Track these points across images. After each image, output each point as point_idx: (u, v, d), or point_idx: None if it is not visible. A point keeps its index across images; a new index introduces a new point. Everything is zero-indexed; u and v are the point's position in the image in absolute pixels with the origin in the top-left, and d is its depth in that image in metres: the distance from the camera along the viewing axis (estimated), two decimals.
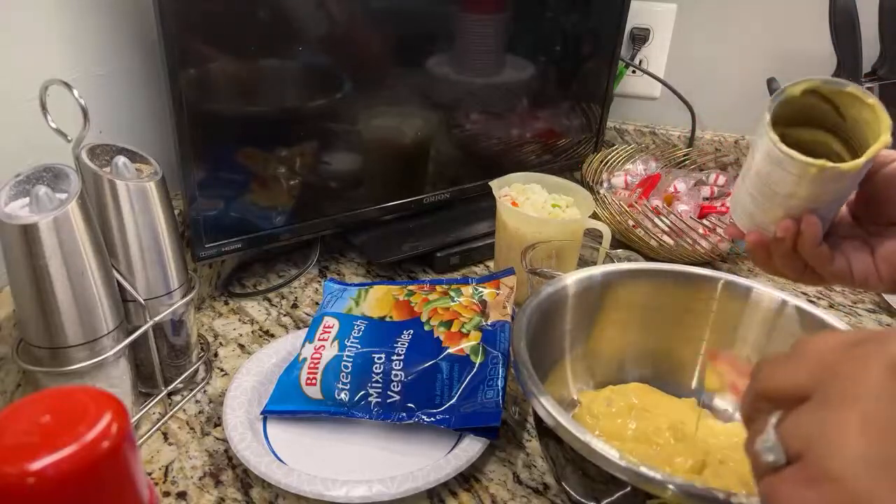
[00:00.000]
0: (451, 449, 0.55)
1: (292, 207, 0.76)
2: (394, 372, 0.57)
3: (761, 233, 0.45)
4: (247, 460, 0.51)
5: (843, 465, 0.24)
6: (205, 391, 0.63)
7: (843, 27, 0.89)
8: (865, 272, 0.44)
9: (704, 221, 0.84)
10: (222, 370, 0.66)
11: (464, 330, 0.59)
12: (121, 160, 0.54)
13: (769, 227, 0.44)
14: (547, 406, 0.42)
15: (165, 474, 0.54)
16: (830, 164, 0.38)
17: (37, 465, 0.30)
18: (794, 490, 0.26)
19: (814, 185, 0.39)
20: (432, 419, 0.55)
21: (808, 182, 0.39)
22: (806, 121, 0.42)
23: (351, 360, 0.58)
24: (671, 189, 0.95)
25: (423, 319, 0.61)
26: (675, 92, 1.10)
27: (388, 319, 0.62)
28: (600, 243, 0.73)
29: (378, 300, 0.65)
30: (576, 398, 0.58)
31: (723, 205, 0.93)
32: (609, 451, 0.38)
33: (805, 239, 0.43)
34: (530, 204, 0.77)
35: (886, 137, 0.38)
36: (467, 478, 0.54)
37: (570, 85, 1.00)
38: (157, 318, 0.56)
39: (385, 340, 0.59)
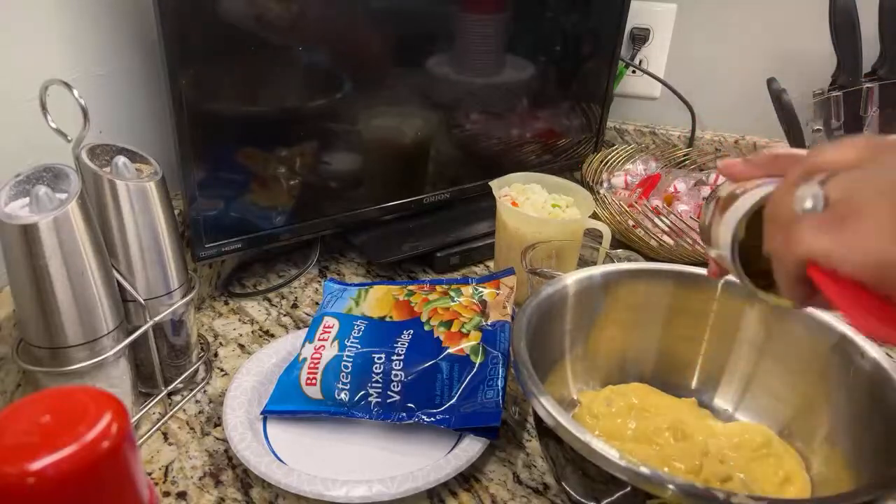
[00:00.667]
0: (451, 449, 0.55)
1: (292, 207, 0.76)
2: (394, 372, 0.57)
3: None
4: (247, 460, 0.51)
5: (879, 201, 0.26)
6: (205, 391, 0.63)
7: (843, 27, 0.89)
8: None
9: None
10: (222, 370, 0.66)
11: (464, 330, 0.59)
12: (121, 160, 0.54)
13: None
14: (547, 406, 0.42)
15: (165, 474, 0.54)
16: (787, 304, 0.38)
17: (37, 465, 0.30)
18: (818, 230, 0.28)
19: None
20: (432, 419, 0.55)
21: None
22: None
23: (351, 360, 0.58)
24: (671, 189, 0.95)
25: (423, 319, 0.61)
26: (675, 92, 1.10)
27: (388, 319, 0.62)
28: (600, 243, 0.73)
29: (378, 300, 0.65)
30: (576, 398, 0.58)
31: None
32: (609, 451, 0.38)
33: None
34: (530, 204, 0.77)
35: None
36: (467, 478, 0.54)
37: (570, 85, 1.00)
38: (157, 318, 0.56)
39: (385, 340, 0.59)
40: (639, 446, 0.52)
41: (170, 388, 0.60)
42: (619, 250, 0.88)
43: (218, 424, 0.59)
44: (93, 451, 0.32)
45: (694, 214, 0.89)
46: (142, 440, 0.57)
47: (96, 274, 0.50)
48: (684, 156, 1.06)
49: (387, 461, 0.54)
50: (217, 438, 0.58)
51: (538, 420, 0.46)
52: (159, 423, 0.59)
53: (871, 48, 0.90)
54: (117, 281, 0.53)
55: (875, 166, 0.28)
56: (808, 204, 0.28)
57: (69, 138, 0.52)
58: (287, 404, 0.58)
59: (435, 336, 0.59)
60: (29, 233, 0.45)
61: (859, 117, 0.92)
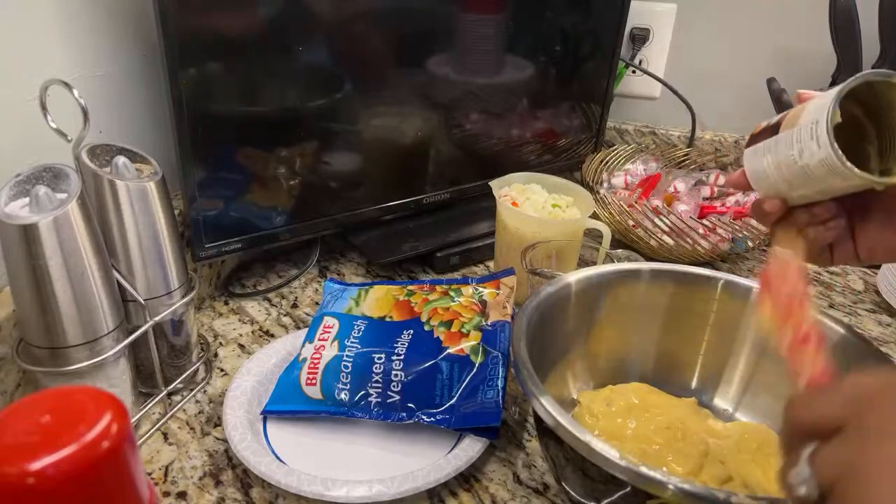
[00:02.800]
0: (451, 449, 0.55)
1: (292, 207, 0.76)
2: (394, 372, 0.57)
3: (779, 201, 0.45)
4: (247, 460, 0.51)
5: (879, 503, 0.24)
6: (205, 391, 0.63)
7: (843, 27, 0.89)
8: (846, 255, 0.45)
9: (704, 221, 0.84)
10: (222, 370, 0.66)
11: (464, 330, 0.59)
12: (121, 160, 0.54)
13: (791, 198, 0.44)
14: (547, 406, 0.42)
15: (165, 474, 0.54)
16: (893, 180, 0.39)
17: (37, 465, 0.30)
18: None
19: (855, 188, 0.40)
20: (432, 419, 0.55)
21: (854, 186, 0.40)
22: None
23: (351, 360, 0.58)
24: (671, 189, 0.95)
25: (423, 319, 0.61)
26: (675, 92, 1.10)
27: (388, 319, 0.62)
28: (600, 243, 0.73)
29: (378, 300, 0.65)
30: (576, 398, 0.58)
31: (723, 204, 0.93)
32: (609, 451, 0.38)
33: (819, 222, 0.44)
34: (530, 204, 0.77)
35: None
36: (467, 478, 0.54)
37: (570, 85, 1.00)
38: (157, 318, 0.56)
39: (385, 340, 0.59)
40: (639, 446, 0.52)
41: (170, 388, 0.60)
42: (619, 250, 0.88)
43: (218, 424, 0.59)
44: (93, 451, 0.32)
45: (694, 215, 0.89)
46: (142, 440, 0.57)
47: (96, 274, 0.50)
48: (684, 156, 1.06)
49: (387, 461, 0.54)
50: (217, 438, 0.58)
51: (538, 420, 0.46)
52: (159, 423, 0.59)
53: (871, 48, 0.90)
54: (117, 281, 0.53)
55: (862, 431, 0.26)
56: (804, 491, 0.27)
57: (69, 138, 0.52)
58: (287, 404, 0.58)
59: (435, 336, 0.59)
60: (29, 233, 0.45)
61: None
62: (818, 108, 0.40)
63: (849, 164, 0.38)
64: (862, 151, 0.42)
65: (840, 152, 0.38)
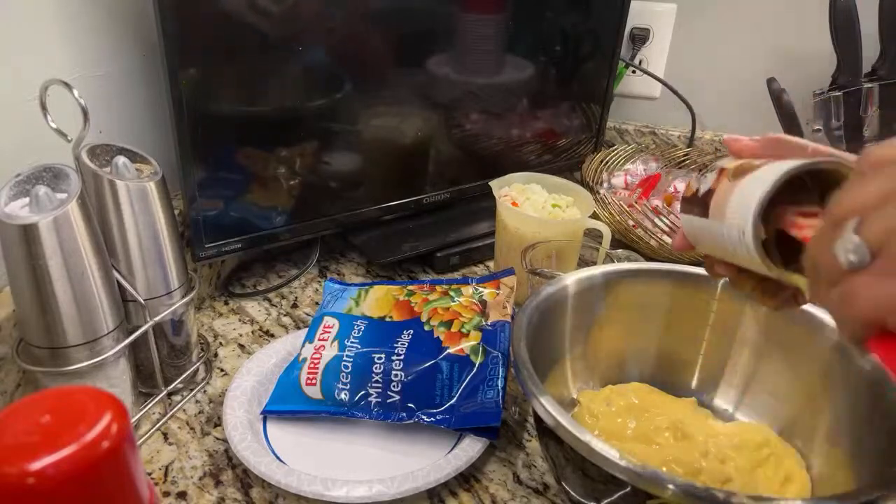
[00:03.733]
0: (451, 449, 0.55)
1: (292, 207, 0.76)
2: (394, 372, 0.57)
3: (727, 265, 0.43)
4: (247, 460, 0.51)
5: None
6: (205, 391, 0.63)
7: (843, 27, 0.89)
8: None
9: None
10: (222, 370, 0.66)
11: (464, 330, 0.59)
12: (121, 160, 0.54)
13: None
14: (547, 406, 0.42)
15: (165, 474, 0.54)
16: (798, 282, 0.36)
17: (37, 465, 0.30)
18: (873, 288, 0.25)
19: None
20: (432, 419, 0.55)
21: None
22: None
23: (351, 360, 0.58)
24: (671, 189, 0.95)
25: (423, 319, 0.61)
26: (675, 92, 1.10)
27: (388, 319, 0.62)
28: (600, 243, 0.73)
29: (378, 300, 0.65)
30: (576, 398, 0.58)
31: None
32: (609, 451, 0.38)
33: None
34: (530, 204, 0.77)
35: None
36: (467, 478, 0.54)
37: (570, 85, 1.00)
38: (157, 318, 0.56)
39: (385, 340, 0.59)
40: (639, 446, 0.52)
41: (170, 388, 0.60)
42: (619, 250, 0.88)
43: (218, 424, 0.59)
44: (93, 451, 0.32)
45: None
46: (142, 440, 0.57)
47: (96, 274, 0.50)
48: (684, 156, 1.06)
49: (387, 461, 0.54)
50: (217, 438, 0.58)
51: (538, 420, 0.46)
52: (159, 423, 0.59)
53: (871, 48, 0.90)
54: (117, 281, 0.53)
55: None
56: (854, 258, 0.26)
57: (69, 138, 0.52)
58: (287, 404, 0.58)
59: (435, 336, 0.59)
60: (29, 233, 0.45)
61: (859, 117, 0.92)
62: (743, 208, 0.35)
63: (786, 273, 0.35)
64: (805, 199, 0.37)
65: (770, 263, 0.35)
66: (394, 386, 0.56)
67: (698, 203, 0.41)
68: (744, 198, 0.36)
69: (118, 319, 0.53)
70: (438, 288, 0.66)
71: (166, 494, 0.52)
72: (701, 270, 0.59)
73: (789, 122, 0.94)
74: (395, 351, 0.58)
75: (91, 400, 0.34)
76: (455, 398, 0.56)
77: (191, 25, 0.61)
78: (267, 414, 0.58)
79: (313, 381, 0.57)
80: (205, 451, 0.56)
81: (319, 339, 0.60)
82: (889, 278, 0.25)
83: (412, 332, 0.60)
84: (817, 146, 0.39)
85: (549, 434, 0.44)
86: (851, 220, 0.27)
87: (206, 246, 0.70)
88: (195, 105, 0.63)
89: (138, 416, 0.58)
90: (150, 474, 0.54)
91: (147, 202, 0.54)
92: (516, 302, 0.67)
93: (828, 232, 0.29)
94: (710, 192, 0.39)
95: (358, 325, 0.61)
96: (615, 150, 1.05)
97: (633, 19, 1.06)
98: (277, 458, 0.53)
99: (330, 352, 0.59)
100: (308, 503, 0.50)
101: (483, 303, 0.64)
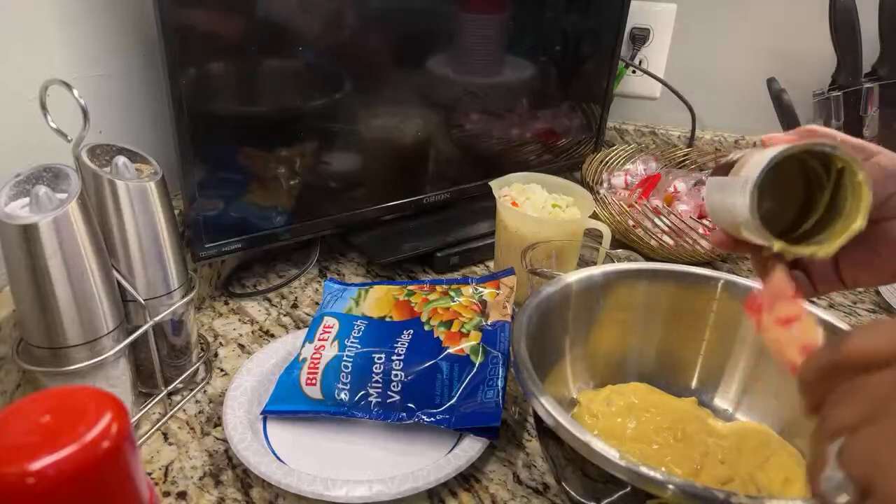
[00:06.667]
0: (451, 449, 0.55)
1: (292, 207, 0.76)
2: (394, 372, 0.57)
3: (725, 235, 0.44)
4: (247, 460, 0.51)
5: None
6: (205, 391, 0.63)
7: (843, 27, 0.89)
8: (829, 286, 0.44)
9: (704, 221, 0.84)
10: (222, 370, 0.66)
11: (464, 330, 0.59)
12: (121, 160, 0.54)
13: (741, 236, 0.43)
14: (547, 406, 0.42)
15: (165, 474, 0.54)
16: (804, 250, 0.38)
17: (37, 465, 0.30)
18: None
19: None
20: (432, 419, 0.55)
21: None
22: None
23: (351, 360, 0.58)
24: (671, 189, 0.95)
25: (423, 319, 0.61)
26: (675, 92, 1.10)
27: (388, 319, 0.62)
28: (600, 243, 0.73)
29: (378, 300, 0.65)
30: (576, 398, 0.58)
31: None
32: (609, 451, 0.38)
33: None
34: (530, 204, 0.77)
35: (859, 225, 0.37)
36: (467, 478, 0.54)
37: (570, 85, 1.00)
38: (157, 318, 0.56)
39: (385, 340, 0.59)
40: (639, 446, 0.52)
41: (170, 388, 0.60)
42: (619, 250, 0.88)
43: (218, 424, 0.59)
44: (93, 451, 0.32)
45: (694, 215, 0.89)
46: (142, 440, 0.57)
47: (96, 274, 0.50)
48: (684, 156, 1.06)
49: (387, 461, 0.54)
50: (217, 438, 0.58)
51: (538, 420, 0.46)
52: (159, 423, 0.59)
53: (871, 48, 0.90)
54: (117, 281, 0.53)
55: (889, 424, 0.24)
56: (843, 499, 0.25)
57: (69, 138, 0.52)
58: (287, 404, 0.58)
59: (435, 336, 0.59)
60: (29, 233, 0.45)
61: (859, 117, 0.92)
62: (755, 164, 0.38)
63: (767, 233, 0.38)
64: (811, 198, 0.42)
65: (761, 226, 0.38)
66: (394, 386, 0.56)
67: (727, 166, 0.43)
68: (761, 156, 0.38)
69: (118, 319, 0.53)
70: (438, 288, 0.66)
71: (166, 494, 0.52)
72: (701, 270, 0.59)
73: (789, 122, 0.95)
74: (395, 351, 0.58)
75: (91, 400, 0.34)
76: (455, 398, 0.56)
77: (191, 25, 0.61)
78: (267, 414, 0.58)
79: (313, 381, 0.57)
80: (205, 451, 0.56)
81: (319, 339, 0.60)
82: None
83: (412, 332, 0.60)
84: (846, 137, 0.41)
85: (549, 434, 0.44)
86: (834, 444, 0.26)
87: (206, 246, 0.70)
88: (195, 105, 0.63)
89: (138, 416, 0.58)
90: (150, 474, 0.54)
91: (147, 202, 0.54)
92: (516, 302, 0.67)
93: (813, 458, 0.27)
94: (741, 158, 0.42)
95: (358, 325, 0.61)
96: (615, 150, 1.05)
97: (633, 19, 1.07)
98: (277, 458, 0.53)
99: (330, 352, 0.59)
100: (308, 503, 0.50)
101: (483, 303, 0.64)
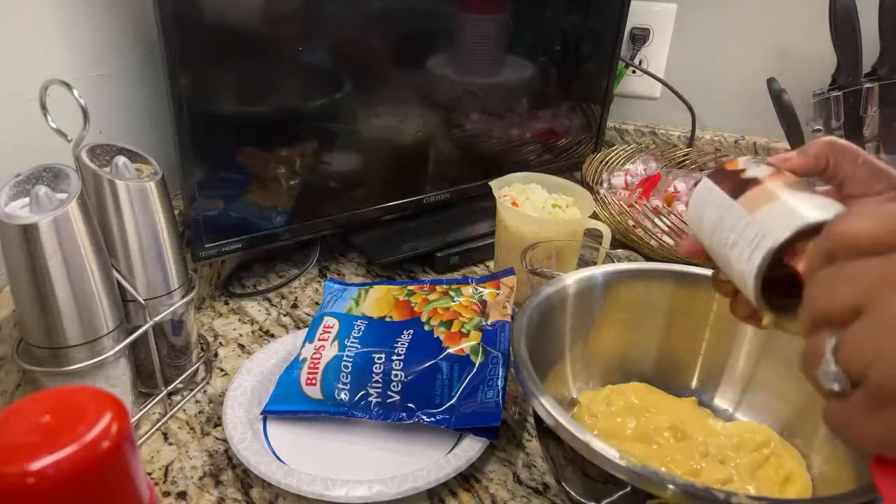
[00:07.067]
0: (451, 449, 0.55)
1: (292, 207, 0.76)
2: (394, 372, 0.57)
3: (698, 246, 0.43)
4: (247, 460, 0.51)
5: None
6: (205, 391, 0.63)
7: (843, 27, 0.89)
8: None
9: None
10: (222, 370, 0.66)
11: (464, 330, 0.59)
12: (121, 160, 0.54)
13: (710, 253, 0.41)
14: (547, 406, 0.42)
15: (165, 474, 0.54)
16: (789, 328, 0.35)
17: (37, 465, 0.30)
18: (862, 420, 0.25)
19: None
20: (432, 419, 0.55)
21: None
22: None
23: (351, 360, 0.58)
24: (671, 189, 0.95)
25: (423, 319, 0.61)
26: (675, 92, 1.10)
27: (388, 319, 0.62)
28: (600, 243, 0.73)
29: (378, 300, 0.65)
30: (576, 398, 0.58)
31: None
32: (609, 451, 0.38)
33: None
34: (530, 204, 0.77)
35: None
36: (467, 478, 0.54)
37: (570, 85, 1.00)
38: (157, 318, 0.56)
39: (385, 340, 0.59)
40: (639, 446, 0.52)
41: (170, 388, 0.60)
42: (619, 250, 0.88)
43: (218, 424, 0.59)
44: (93, 451, 0.32)
45: None
46: (142, 440, 0.57)
47: (96, 274, 0.50)
48: (684, 156, 1.06)
49: (387, 461, 0.54)
50: (217, 438, 0.58)
51: (538, 420, 0.46)
52: (159, 423, 0.59)
53: (871, 48, 0.90)
54: (117, 281, 0.53)
55: (885, 312, 0.25)
56: (836, 387, 0.26)
57: (69, 138, 0.52)
58: (287, 404, 0.58)
59: (435, 336, 0.59)
60: (29, 233, 0.45)
61: (859, 117, 0.92)
62: (783, 219, 0.33)
63: (763, 307, 0.35)
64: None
65: (762, 302, 0.34)
66: (394, 386, 0.56)
67: (736, 182, 0.39)
68: (788, 210, 0.34)
69: (118, 319, 0.53)
70: (438, 288, 0.66)
71: (166, 494, 0.52)
72: (701, 270, 0.59)
73: (789, 122, 0.95)
74: (395, 351, 0.58)
75: (91, 400, 0.34)
76: (455, 398, 0.56)
77: (191, 25, 0.61)
78: (267, 414, 0.58)
79: (313, 381, 0.57)
80: (205, 451, 0.56)
81: (319, 339, 0.60)
82: (872, 416, 0.25)
83: (412, 332, 0.60)
84: (868, 157, 0.38)
85: (549, 434, 0.44)
86: (829, 341, 0.27)
87: (206, 246, 0.70)
88: (195, 105, 0.63)
89: (138, 416, 0.58)
90: (150, 474, 0.54)
91: (147, 202, 0.54)
92: (516, 302, 0.67)
93: (810, 349, 0.28)
94: (755, 181, 0.38)
95: (358, 325, 0.61)
96: (615, 150, 1.05)
97: (633, 19, 1.07)
98: (277, 458, 0.53)
99: (330, 352, 0.59)
100: (308, 503, 0.50)
101: (483, 303, 0.64)
